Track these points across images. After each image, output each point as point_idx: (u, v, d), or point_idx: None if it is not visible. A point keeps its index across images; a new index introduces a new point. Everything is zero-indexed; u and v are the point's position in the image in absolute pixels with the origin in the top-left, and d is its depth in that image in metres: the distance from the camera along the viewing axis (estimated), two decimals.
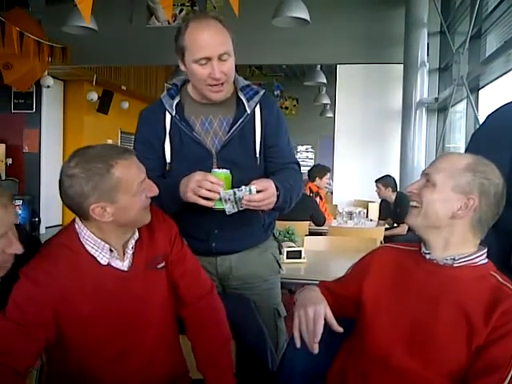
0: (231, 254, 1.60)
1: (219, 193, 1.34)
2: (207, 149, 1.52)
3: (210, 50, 1.39)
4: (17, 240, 1.08)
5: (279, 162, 1.58)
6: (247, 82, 1.57)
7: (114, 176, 1.09)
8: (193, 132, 1.51)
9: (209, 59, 1.39)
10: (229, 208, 1.37)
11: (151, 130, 1.55)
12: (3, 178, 7.09)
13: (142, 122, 1.59)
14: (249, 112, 1.52)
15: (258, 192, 1.34)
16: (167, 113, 1.53)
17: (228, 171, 1.40)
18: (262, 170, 1.58)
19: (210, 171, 1.42)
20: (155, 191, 1.20)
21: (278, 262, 1.70)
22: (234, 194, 1.34)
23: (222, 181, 1.36)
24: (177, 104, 1.53)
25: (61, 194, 1.12)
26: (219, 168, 1.44)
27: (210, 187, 1.33)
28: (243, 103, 1.52)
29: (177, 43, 1.46)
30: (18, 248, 1.08)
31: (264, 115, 1.54)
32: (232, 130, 1.51)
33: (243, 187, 1.34)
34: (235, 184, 1.39)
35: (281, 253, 1.79)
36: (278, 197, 1.40)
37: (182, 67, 1.49)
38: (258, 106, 1.54)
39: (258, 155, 1.55)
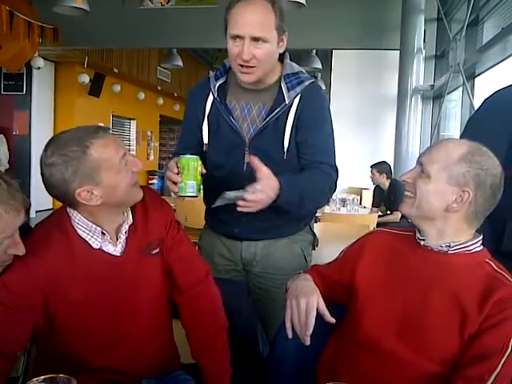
0: (257, 240, 1.57)
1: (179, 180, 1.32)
2: (241, 137, 1.48)
3: (244, 28, 1.34)
4: (21, 242, 1.06)
5: (310, 160, 1.47)
6: (296, 70, 1.49)
7: (92, 157, 1.06)
8: (230, 117, 1.47)
9: (241, 38, 1.35)
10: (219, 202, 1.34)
11: (193, 108, 1.54)
12: None
13: (189, 100, 1.59)
14: (287, 102, 1.44)
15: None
16: (211, 93, 1.50)
17: (193, 157, 1.33)
18: (291, 166, 1.49)
19: (243, 158, 1.45)
20: (139, 166, 1.17)
21: (305, 257, 1.62)
22: (224, 195, 1.32)
23: (180, 167, 1.31)
24: (220, 86, 1.49)
25: (45, 186, 1.10)
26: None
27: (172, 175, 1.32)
28: (283, 92, 1.45)
29: (224, 18, 1.41)
30: (21, 250, 1.07)
31: (300, 107, 1.45)
32: (267, 119, 1.45)
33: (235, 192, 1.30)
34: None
35: (314, 248, 1.69)
36: (278, 196, 1.31)
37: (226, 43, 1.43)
38: (298, 97, 1.45)
39: (285, 149, 1.46)
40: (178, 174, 1.32)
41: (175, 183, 1.33)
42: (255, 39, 1.34)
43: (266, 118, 1.46)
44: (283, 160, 1.47)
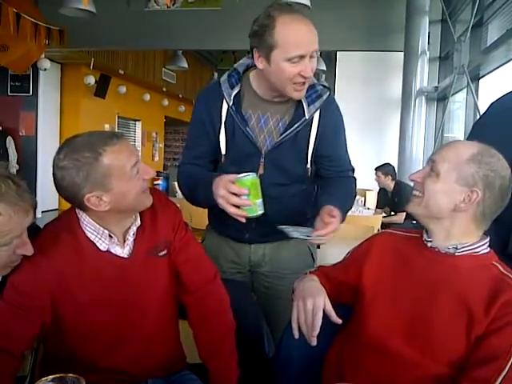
0: (265, 243, 1.58)
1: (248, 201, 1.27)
2: (257, 147, 1.45)
3: (307, 47, 1.31)
4: (29, 242, 1.07)
5: (335, 171, 1.53)
6: (313, 82, 1.46)
7: (104, 163, 1.06)
8: (246, 127, 1.44)
9: (302, 57, 1.31)
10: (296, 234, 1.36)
11: (207, 115, 1.48)
12: None
13: (199, 104, 1.52)
14: (307, 117, 1.44)
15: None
16: (224, 101, 1.45)
17: (254, 175, 1.28)
18: (302, 178, 1.51)
19: (258, 169, 1.43)
20: (151, 173, 1.17)
21: (312, 255, 1.65)
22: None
23: (246, 189, 1.26)
24: (236, 94, 1.44)
25: (56, 187, 1.10)
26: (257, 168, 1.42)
27: (237, 199, 1.27)
28: (303, 106, 1.44)
29: (261, 39, 1.32)
30: (29, 250, 1.07)
31: (322, 123, 1.46)
32: (286, 133, 1.44)
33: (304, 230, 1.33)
34: (281, 189, 1.44)
35: (319, 246, 1.71)
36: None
37: (260, 64, 1.36)
38: (317, 111, 1.45)
39: (309, 165, 1.48)
40: (239, 195, 1.27)
41: (237, 206, 1.28)
42: (312, 53, 1.33)
43: (285, 131, 1.44)
44: (297, 173, 1.49)
